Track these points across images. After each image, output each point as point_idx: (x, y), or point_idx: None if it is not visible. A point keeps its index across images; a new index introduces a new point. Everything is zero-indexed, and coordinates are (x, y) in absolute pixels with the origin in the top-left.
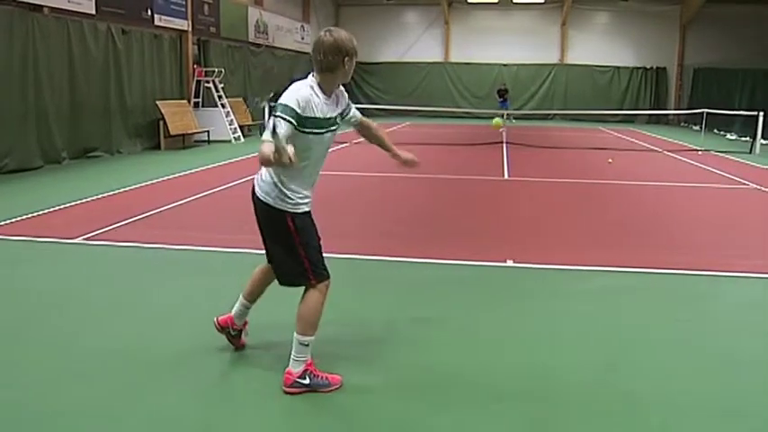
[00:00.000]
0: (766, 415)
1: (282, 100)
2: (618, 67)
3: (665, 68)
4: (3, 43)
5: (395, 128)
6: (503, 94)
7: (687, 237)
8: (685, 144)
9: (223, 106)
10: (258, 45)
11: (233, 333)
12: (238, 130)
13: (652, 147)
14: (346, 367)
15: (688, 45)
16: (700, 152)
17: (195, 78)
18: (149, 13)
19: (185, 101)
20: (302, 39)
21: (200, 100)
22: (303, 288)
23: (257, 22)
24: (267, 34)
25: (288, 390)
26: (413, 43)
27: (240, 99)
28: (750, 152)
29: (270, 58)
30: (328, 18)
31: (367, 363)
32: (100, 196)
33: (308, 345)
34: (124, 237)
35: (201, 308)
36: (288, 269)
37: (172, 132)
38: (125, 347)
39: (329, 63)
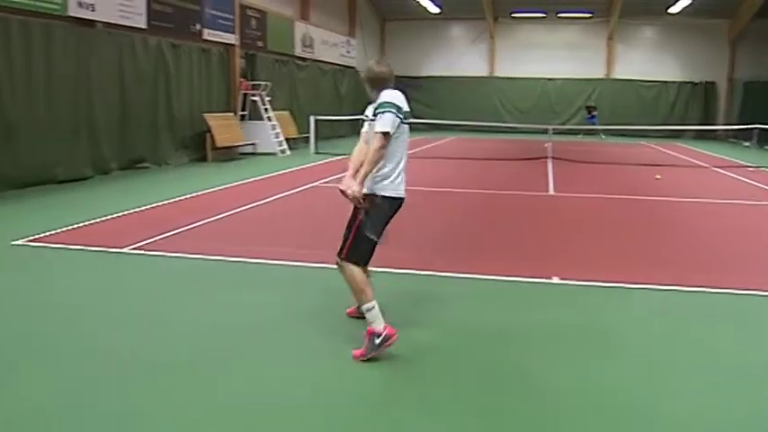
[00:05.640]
0: None
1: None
2: (665, 82)
3: (713, 83)
4: (57, 58)
5: (439, 142)
6: (591, 110)
7: (738, 255)
8: (734, 160)
9: (269, 119)
10: (304, 59)
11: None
12: (284, 143)
13: (699, 162)
14: None
15: (738, 59)
16: (751, 169)
17: (242, 92)
18: (198, 27)
19: (232, 113)
20: (348, 53)
21: (246, 113)
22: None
23: (303, 36)
24: (313, 48)
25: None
26: (458, 57)
27: (286, 112)
28: None
29: (316, 72)
30: (374, 32)
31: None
32: (147, 207)
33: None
34: (172, 247)
35: (242, 320)
36: None
37: (218, 145)
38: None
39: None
